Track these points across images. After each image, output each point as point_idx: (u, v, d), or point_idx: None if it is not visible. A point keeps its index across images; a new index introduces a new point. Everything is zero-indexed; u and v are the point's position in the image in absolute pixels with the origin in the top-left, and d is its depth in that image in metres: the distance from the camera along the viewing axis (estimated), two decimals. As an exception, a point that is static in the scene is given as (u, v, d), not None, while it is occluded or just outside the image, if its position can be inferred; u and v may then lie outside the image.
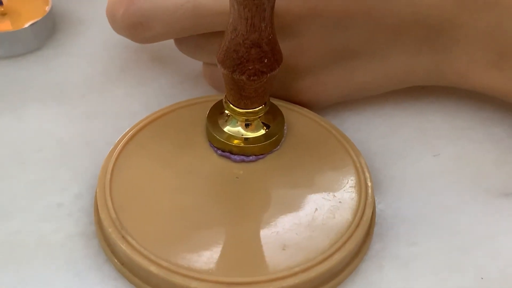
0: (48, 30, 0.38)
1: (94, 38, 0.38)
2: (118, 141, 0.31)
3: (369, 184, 0.30)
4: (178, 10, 0.31)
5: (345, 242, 0.28)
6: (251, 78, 0.29)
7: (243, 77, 0.29)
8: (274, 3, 0.28)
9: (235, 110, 0.31)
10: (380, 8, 0.31)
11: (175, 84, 0.36)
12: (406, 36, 0.32)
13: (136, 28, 0.32)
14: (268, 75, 0.29)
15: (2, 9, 0.38)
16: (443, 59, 0.33)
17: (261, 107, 0.31)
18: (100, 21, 0.39)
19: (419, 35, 0.32)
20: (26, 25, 0.37)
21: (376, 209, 0.31)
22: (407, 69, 0.33)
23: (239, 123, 0.31)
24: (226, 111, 0.31)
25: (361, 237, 0.29)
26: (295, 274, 0.27)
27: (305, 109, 0.34)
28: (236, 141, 0.31)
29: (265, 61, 0.29)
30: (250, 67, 0.29)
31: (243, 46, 0.28)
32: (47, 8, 0.38)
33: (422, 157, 0.33)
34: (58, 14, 0.39)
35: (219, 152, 0.31)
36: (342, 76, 0.33)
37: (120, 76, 0.36)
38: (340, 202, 0.29)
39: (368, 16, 0.31)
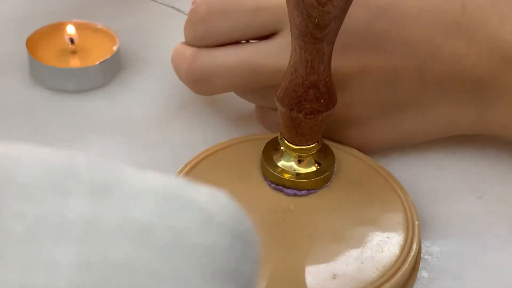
0: (115, 68, 0.41)
1: (156, 77, 0.41)
2: (178, 171, 0.33)
3: (416, 222, 0.32)
4: (237, 68, 0.34)
5: (393, 275, 0.29)
6: (308, 116, 0.31)
7: (300, 115, 0.31)
8: (332, 48, 0.30)
9: (290, 146, 0.33)
10: (428, 66, 0.33)
11: (230, 121, 0.39)
12: (452, 90, 0.34)
13: (198, 83, 0.35)
14: (324, 114, 0.31)
15: (73, 47, 0.41)
16: (487, 112, 0.34)
17: (314, 144, 0.33)
18: (162, 61, 0.41)
19: (464, 89, 0.34)
20: (96, 63, 0.40)
21: (423, 245, 0.32)
22: (452, 120, 0.35)
23: (292, 158, 0.33)
24: (281, 147, 0.33)
25: (408, 271, 0.30)
26: (346, 302, 0.28)
27: (355, 149, 0.35)
28: (288, 176, 0.33)
29: (322, 101, 0.31)
30: (308, 106, 0.31)
31: (302, 87, 0.30)
32: (115, 48, 0.41)
33: (467, 198, 0.34)
34: (124, 54, 0.42)
35: (273, 185, 0.33)
36: (389, 126, 0.35)
37: (179, 112, 0.39)
38: (388, 237, 0.31)
39: (417, 73, 0.33)
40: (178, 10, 0.39)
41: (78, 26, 0.41)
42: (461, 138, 0.37)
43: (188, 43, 0.35)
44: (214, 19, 0.34)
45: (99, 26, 0.42)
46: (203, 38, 0.34)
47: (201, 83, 0.35)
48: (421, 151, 0.37)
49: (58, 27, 0.41)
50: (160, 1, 0.40)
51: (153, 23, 0.44)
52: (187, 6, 0.38)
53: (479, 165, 0.36)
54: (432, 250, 0.32)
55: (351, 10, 0.29)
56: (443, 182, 0.35)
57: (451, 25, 0.33)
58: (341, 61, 0.32)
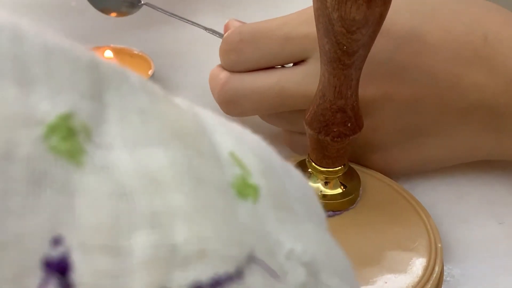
0: (149, 91, 0.43)
1: (190, 100, 0.43)
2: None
3: (439, 245, 0.32)
4: (266, 92, 0.36)
5: (415, 294, 0.30)
6: (335, 139, 0.32)
7: (328, 138, 0.32)
8: (360, 73, 0.31)
9: (317, 169, 0.34)
10: (449, 95, 0.34)
11: (260, 144, 0.40)
12: (472, 118, 0.35)
13: (229, 105, 0.37)
14: (351, 137, 0.32)
15: (110, 71, 0.43)
16: (506, 137, 0.35)
17: (340, 167, 0.34)
18: (194, 86, 0.43)
19: (484, 116, 0.35)
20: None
21: (445, 267, 0.33)
22: (472, 146, 0.36)
23: (319, 180, 0.34)
24: (309, 169, 0.34)
25: (431, 291, 0.31)
26: (369, 318, 0.29)
27: (379, 173, 0.36)
28: (315, 197, 0.34)
29: (349, 125, 0.32)
30: (335, 130, 0.32)
31: (330, 111, 0.32)
32: (150, 72, 0.42)
33: (488, 223, 0.35)
34: (159, 78, 0.44)
35: (300, 206, 0.34)
36: (411, 151, 0.36)
37: (211, 134, 0.40)
38: (411, 259, 0.32)
39: (437, 101, 0.34)
40: (213, 32, 0.41)
41: (115, 51, 0.43)
42: (482, 163, 0.38)
43: (222, 66, 0.37)
44: (245, 48, 0.36)
45: (136, 51, 0.44)
46: (235, 65, 0.36)
47: (231, 105, 0.37)
48: (443, 176, 0.38)
49: (96, 52, 0.43)
50: (197, 25, 0.42)
51: (187, 47, 0.46)
52: (221, 27, 0.39)
53: (499, 190, 0.37)
54: (454, 272, 0.33)
55: (375, 39, 0.31)
56: (465, 206, 0.36)
57: (472, 56, 0.34)
58: (364, 88, 0.34)
